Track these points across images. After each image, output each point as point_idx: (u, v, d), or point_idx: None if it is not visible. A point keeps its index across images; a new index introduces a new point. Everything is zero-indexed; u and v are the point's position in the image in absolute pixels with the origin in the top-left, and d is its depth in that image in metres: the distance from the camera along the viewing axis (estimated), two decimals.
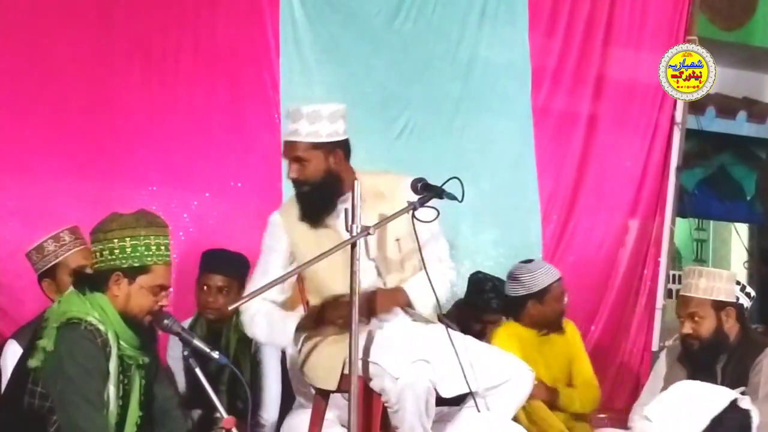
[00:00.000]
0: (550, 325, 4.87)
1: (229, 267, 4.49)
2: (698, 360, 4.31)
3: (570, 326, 5.03)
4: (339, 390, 3.67)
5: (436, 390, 3.54)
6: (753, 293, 4.50)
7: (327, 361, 3.65)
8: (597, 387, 4.98)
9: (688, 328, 4.29)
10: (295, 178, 3.70)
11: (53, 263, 4.17)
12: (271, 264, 3.77)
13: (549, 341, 4.90)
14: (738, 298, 4.41)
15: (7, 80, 4.72)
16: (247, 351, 4.48)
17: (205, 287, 4.47)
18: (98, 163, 4.87)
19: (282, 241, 3.77)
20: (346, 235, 3.44)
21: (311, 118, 3.66)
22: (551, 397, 4.77)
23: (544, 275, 4.88)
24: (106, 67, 4.90)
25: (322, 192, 3.70)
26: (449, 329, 3.65)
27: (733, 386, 4.08)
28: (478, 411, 3.62)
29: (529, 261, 5.00)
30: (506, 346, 4.75)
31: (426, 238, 3.74)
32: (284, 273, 3.58)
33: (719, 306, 4.28)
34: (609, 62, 6.03)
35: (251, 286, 3.77)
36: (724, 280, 4.33)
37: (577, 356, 4.99)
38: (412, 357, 3.49)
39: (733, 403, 3.27)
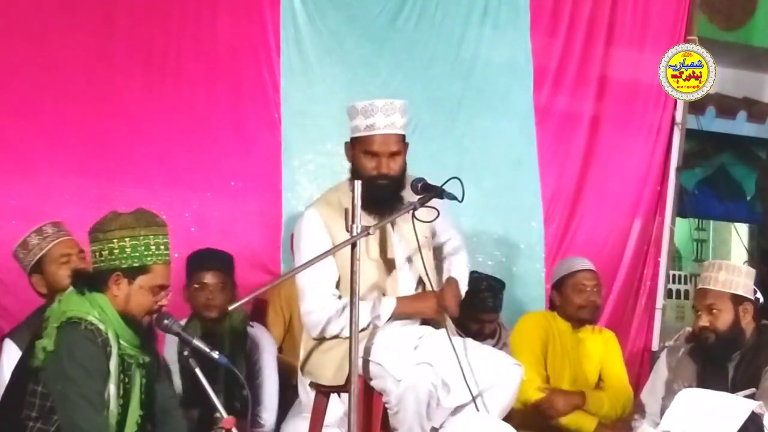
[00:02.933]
0: (572, 317, 4.89)
1: (222, 263, 4.47)
2: (711, 355, 4.25)
3: (608, 334, 5.07)
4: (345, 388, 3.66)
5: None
6: (762, 298, 4.47)
7: (336, 358, 3.63)
8: (629, 393, 4.95)
9: (705, 321, 4.22)
10: (387, 174, 3.68)
11: (39, 256, 4.15)
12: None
13: (583, 340, 4.93)
14: (756, 295, 4.39)
15: (9, 79, 4.72)
16: (242, 352, 4.48)
17: (199, 285, 4.42)
18: (100, 162, 4.87)
19: (325, 237, 3.70)
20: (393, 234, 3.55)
21: (402, 111, 3.76)
22: (579, 402, 4.77)
23: (563, 266, 5.02)
24: (108, 66, 4.90)
25: (397, 186, 3.73)
26: (451, 336, 3.65)
27: (744, 386, 4.06)
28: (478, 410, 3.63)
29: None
30: (526, 332, 4.85)
31: (448, 236, 3.92)
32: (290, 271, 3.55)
33: (738, 300, 4.22)
34: (611, 62, 6.02)
35: (306, 281, 3.67)
36: (744, 274, 4.29)
37: (611, 361, 4.99)
38: (415, 359, 3.49)
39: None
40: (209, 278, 4.43)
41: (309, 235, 3.73)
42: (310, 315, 3.69)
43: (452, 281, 3.82)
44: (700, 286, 4.34)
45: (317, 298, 3.65)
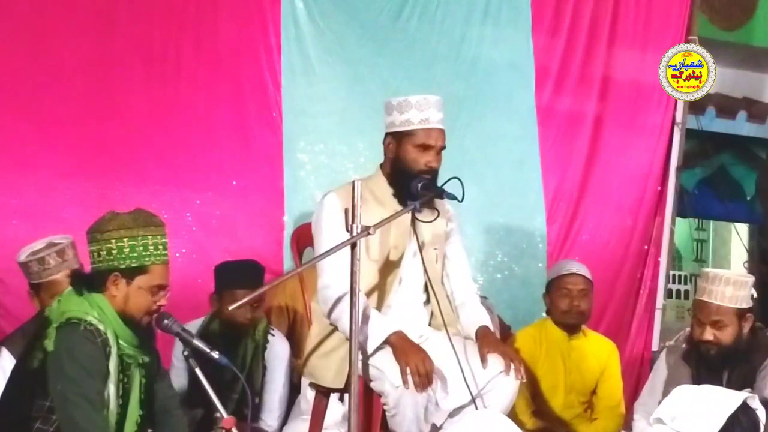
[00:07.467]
0: (559, 322, 4.87)
1: (256, 279, 4.40)
2: (710, 363, 4.24)
3: (610, 346, 5.01)
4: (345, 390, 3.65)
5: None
6: (755, 294, 4.45)
7: (337, 360, 3.62)
8: (622, 414, 4.92)
9: (709, 335, 4.18)
10: (435, 168, 3.72)
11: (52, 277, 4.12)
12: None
13: (579, 347, 4.90)
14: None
15: (10, 80, 4.72)
16: (261, 359, 4.49)
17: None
18: (101, 162, 4.87)
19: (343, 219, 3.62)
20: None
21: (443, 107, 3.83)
22: None
23: (554, 270, 5.00)
24: (108, 66, 4.90)
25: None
26: (451, 336, 3.64)
27: (738, 388, 4.05)
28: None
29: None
30: (522, 343, 4.84)
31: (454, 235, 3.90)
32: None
33: (741, 313, 4.20)
34: (613, 62, 6.02)
35: (326, 265, 3.62)
36: (748, 287, 4.25)
37: (608, 377, 4.94)
38: None
39: (744, 403, 3.28)
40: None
41: (329, 217, 3.69)
42: (326, 290, 3.62)
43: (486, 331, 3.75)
44: (704, 298, 4.23)
45: (335, 273, 3.57)
